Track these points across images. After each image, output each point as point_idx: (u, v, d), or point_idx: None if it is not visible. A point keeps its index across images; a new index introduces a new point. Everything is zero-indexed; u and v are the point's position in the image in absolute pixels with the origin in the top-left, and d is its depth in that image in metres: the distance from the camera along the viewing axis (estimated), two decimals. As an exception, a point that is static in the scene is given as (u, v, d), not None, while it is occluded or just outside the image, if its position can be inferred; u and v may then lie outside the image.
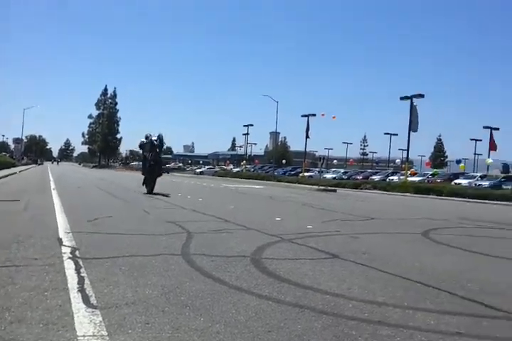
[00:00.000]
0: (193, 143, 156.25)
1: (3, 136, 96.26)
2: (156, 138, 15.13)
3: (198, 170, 64.18)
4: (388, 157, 62.18)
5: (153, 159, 14.94)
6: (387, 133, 58.57)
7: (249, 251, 5.35)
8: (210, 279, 3.96)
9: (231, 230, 7.11)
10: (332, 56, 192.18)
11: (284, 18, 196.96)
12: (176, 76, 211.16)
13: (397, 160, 56.77)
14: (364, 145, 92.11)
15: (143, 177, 15.55)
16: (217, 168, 68.18)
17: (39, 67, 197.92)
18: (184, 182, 30.95)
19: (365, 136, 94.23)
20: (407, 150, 30.16)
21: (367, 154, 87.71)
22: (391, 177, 40.72)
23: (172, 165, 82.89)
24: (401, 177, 36.34)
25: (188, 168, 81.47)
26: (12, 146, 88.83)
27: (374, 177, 43.46)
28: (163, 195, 14.56)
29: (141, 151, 17.58)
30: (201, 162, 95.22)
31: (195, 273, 4.14)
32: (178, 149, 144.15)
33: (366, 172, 50.15)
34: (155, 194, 14.58)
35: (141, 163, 22.81)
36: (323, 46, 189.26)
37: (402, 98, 29.90)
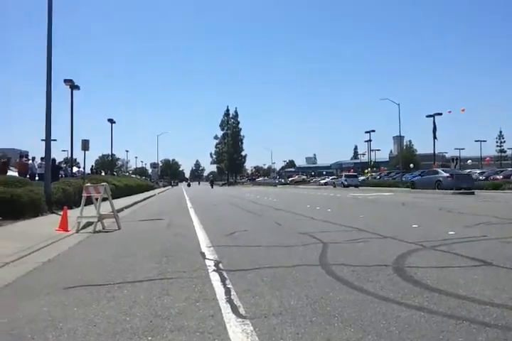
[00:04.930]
0: (314, 154, 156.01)
1: (142, 161, 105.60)
2: None
3: (322, 181, 64.08)
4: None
5: None
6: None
7: (389, 259, 5.11)
8: (353, 289, 3.85)
9: (367, 239, 6.88)
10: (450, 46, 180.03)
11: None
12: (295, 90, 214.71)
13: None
14: (501, 142, 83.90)
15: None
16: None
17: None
18: (310, 193, 31.04)
19: (500, 132, 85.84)
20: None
21: (505, 151, 79.85)
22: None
23: (296, 177, 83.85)
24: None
25: (311, 179, 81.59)
26: (150, 170, 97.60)
27: (517, 175, 39.29)
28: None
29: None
30: (324, 173, 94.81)
31: (338, 284, 4.06)
32: (300, 162, 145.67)
33: (507, 170, 45.42)
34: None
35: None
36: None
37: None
